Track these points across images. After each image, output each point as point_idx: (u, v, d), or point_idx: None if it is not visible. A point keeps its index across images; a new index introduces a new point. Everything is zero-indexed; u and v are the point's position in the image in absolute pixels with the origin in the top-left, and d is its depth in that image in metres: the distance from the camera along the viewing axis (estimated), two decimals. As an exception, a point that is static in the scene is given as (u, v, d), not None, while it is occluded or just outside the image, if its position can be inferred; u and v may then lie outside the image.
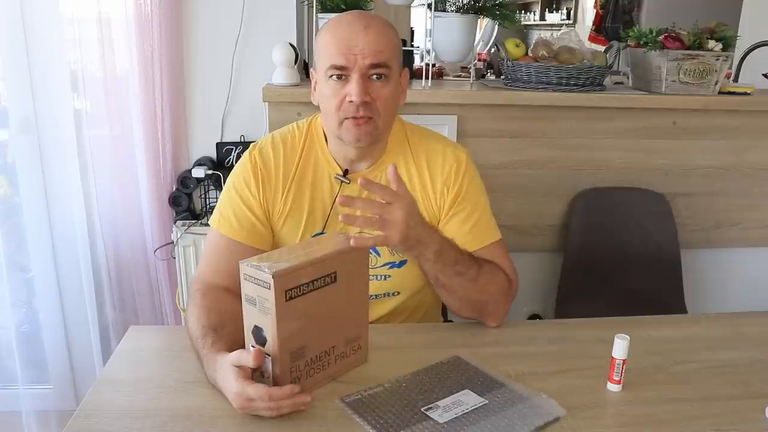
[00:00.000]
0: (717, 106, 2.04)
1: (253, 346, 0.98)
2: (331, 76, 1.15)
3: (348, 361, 1.08)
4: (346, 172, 1.26)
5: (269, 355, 0.96)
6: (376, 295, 1.30)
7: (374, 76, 1.15)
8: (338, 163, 1.27)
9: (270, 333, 0.95)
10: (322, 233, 1.27)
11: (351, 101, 1.14)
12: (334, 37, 1.14)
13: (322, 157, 1.27)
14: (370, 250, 1.23)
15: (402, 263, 1.29)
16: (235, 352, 0.98)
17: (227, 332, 1.06)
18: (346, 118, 1.16)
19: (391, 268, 1.29)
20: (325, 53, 1.16)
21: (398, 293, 1.32)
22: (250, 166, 1.26)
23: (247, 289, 0.96)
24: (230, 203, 1.26)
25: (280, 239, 1.29)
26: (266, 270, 0.91)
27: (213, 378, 1.00)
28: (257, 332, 0.97)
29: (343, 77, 1.14)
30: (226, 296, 1.15)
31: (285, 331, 0.95)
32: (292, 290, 0.94)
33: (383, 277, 1.29)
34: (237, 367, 0.95)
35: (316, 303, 0.98)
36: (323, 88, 1.18)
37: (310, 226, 1.27)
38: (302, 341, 0.99)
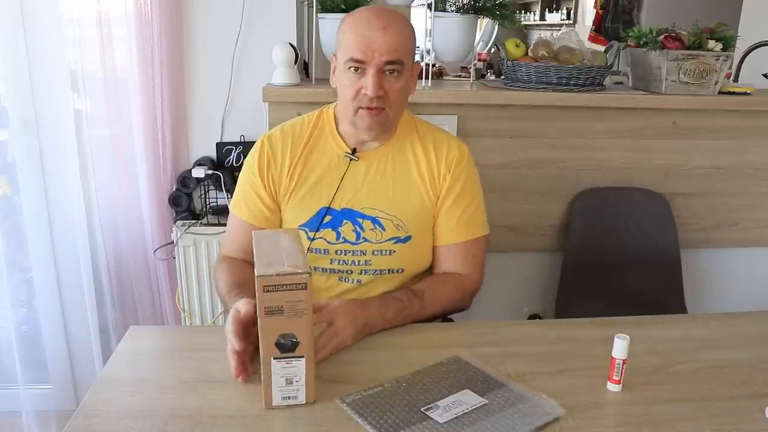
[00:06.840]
0: (717, 106, 2.04)
1: (275, 359, 0.93)
2: (349, 67, 1.25)
3: None
4: (354, 151, 1.35)
5: (302, 358, 0.93)
6: (380, 271, 1.35)
7: (388, 72, 1.25)
8: (347, 143, 1.36)
9: (305, 334, 0.92)
10: (328, 208, 1.33)
11: (366, 93, 1.24)
12: (355, 33, 1.24)
13: (331, 138, 1.37)
14: (375, 225, 1.33)
15: (407, 239, 1.35)
16: (243, 300, 1.05)
17: (250, 289, 1.06)
18: (361, 108, 1.27)
19: (396, 243, 1.35)
20: (345, 45, 1.26)
21: (402, 270, 1.37)
22: (259, 153, 1.37)
23: (268, 301, 0.91)
24: (241, 187, 1.39)
25: (286, 215, 1.37)
26: (300, 270, 0.90)
27: None
28: (284, 341, 0.92)
29: (360, 70, 1.25)
30: (247, 266, 1.29)
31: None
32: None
33: (388, 252, 1.34)
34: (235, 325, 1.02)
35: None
36: (341, 76, 1.29)
37: (316, 202, 1.34)
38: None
